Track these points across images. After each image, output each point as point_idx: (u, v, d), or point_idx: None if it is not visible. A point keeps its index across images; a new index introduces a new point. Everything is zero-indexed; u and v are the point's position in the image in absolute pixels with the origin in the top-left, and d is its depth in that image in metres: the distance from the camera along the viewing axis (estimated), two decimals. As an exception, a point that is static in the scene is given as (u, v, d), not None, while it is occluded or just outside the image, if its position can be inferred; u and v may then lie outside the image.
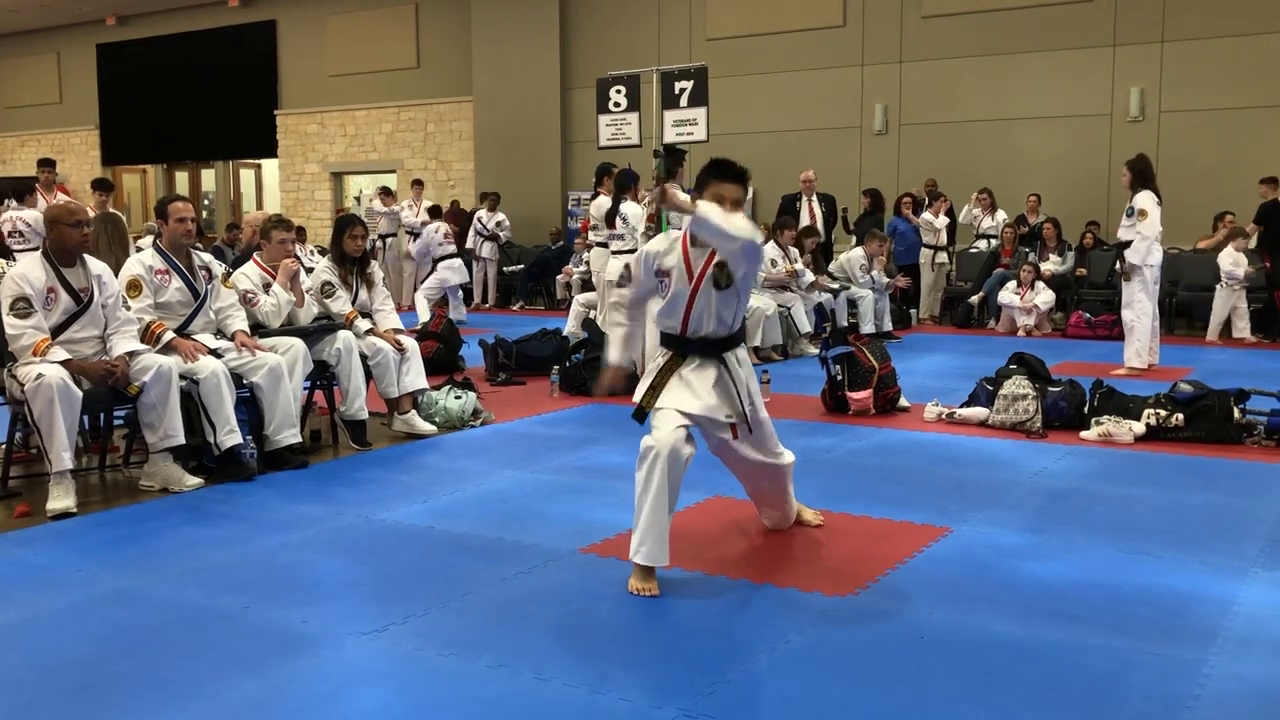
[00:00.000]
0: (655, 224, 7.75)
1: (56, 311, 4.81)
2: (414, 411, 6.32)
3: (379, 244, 14.28)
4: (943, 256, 13.14)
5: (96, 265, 5.04)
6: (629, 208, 8.39)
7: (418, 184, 15.69)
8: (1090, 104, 13.31)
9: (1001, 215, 13.07)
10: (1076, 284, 12.37)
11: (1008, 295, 11.80)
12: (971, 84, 13.89)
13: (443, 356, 8.45)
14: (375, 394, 6.22)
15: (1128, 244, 8.57)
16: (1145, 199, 8.49)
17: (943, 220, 13.01)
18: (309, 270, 6.72)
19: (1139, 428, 6.07)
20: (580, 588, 3.74)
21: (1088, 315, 11.43)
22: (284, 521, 4.53)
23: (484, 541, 4.25)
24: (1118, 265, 8.93)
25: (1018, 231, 12.91)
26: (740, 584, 3.74)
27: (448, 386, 6.74)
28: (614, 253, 8.42)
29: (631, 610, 3.52)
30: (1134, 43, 13.03)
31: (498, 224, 15.46)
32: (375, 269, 6.63)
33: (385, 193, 15.64)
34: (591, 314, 8.91)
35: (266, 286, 5.93)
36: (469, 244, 15.63)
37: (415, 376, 6.33)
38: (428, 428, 6.28)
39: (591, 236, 8.19)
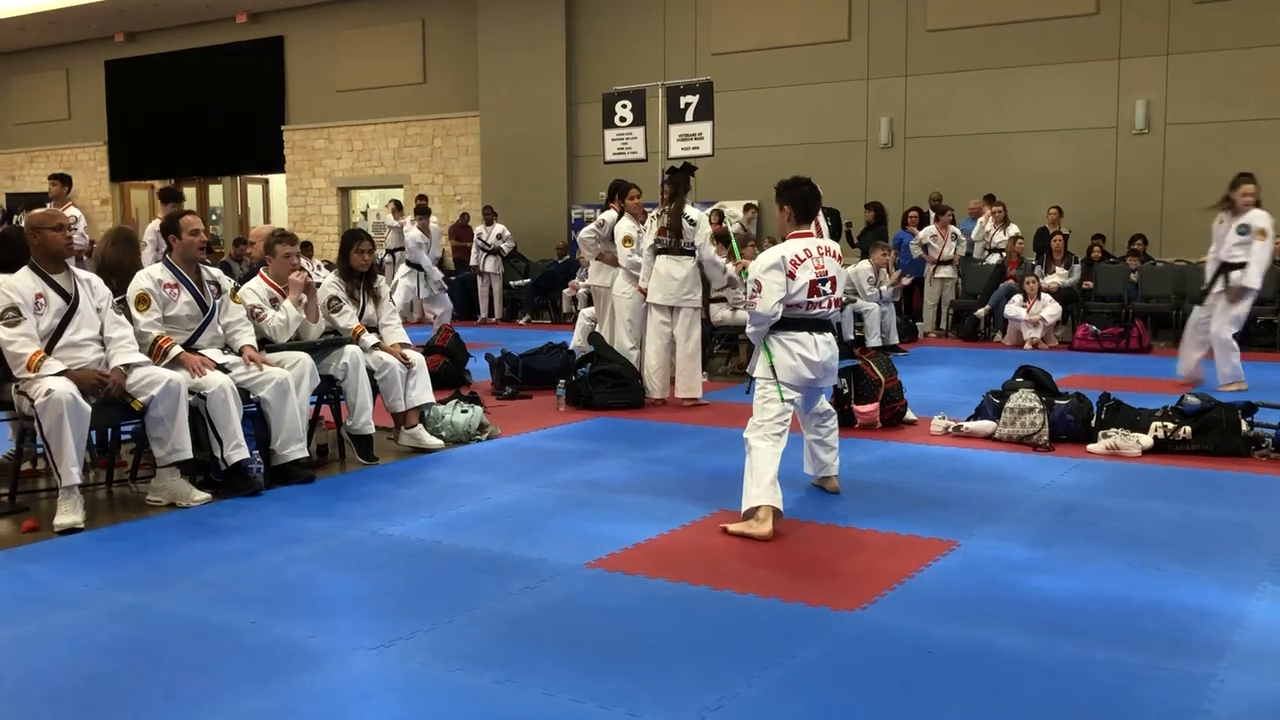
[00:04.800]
0: (668, 236, 7.75)
1: (49, 314, 4.84)
2: (421, 426, 6.33)
3: (388, 258, 14.27)
4: (946, 271, 13.12)
5: (83, 272, 5.10)
6: (617, 226, 8.39)
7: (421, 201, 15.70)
8: (1095, 117, 13.32)
9: (1014, 229, 13.05)
10: (1083, 297, 12.36)
11: (1014, 308, 11.79)
12: (976, 97, 13.92)
13: (449, 371, 8.46)
14: (382, 408, 6.23)
15: (1234, 265, 8.04)
16: (1262, 217, 8.04)
17: (928, 233, 12.93)
18: (316, 285, 6.73)
19: (1146, 441, 6.06)
20: (587, 602, 3.74)
21: (1094, 328, 11.42)
22: (291, 536, 4.53)
23: (490, 556, 4.25)
24: (1217, 285, 8.24)
25: (1016, 247, 12.86)
26: (747, 598, 3.74)
27: (454, 401, 6.75)
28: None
29: (638, 625, 3.52)
30: (1139, 55, 13.04)
31: (498, 236, 15.49)
32: (382, 284, 6.64)
33: (397, 207, 15.65)
34: (597, 328, 8.92)
35: (273, 301, 5.95)
36: (472, 260, 15.66)
37: (422, 391, 6.34)
38: (434, 442, 6.29)
39: (624, 260, 8.17)
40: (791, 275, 4.69)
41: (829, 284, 4.78)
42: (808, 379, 4.79)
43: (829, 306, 4.83)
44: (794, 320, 4.76)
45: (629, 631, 3.46)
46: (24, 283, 4.84)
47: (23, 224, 9.69)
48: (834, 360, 4.89)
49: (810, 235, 4.87)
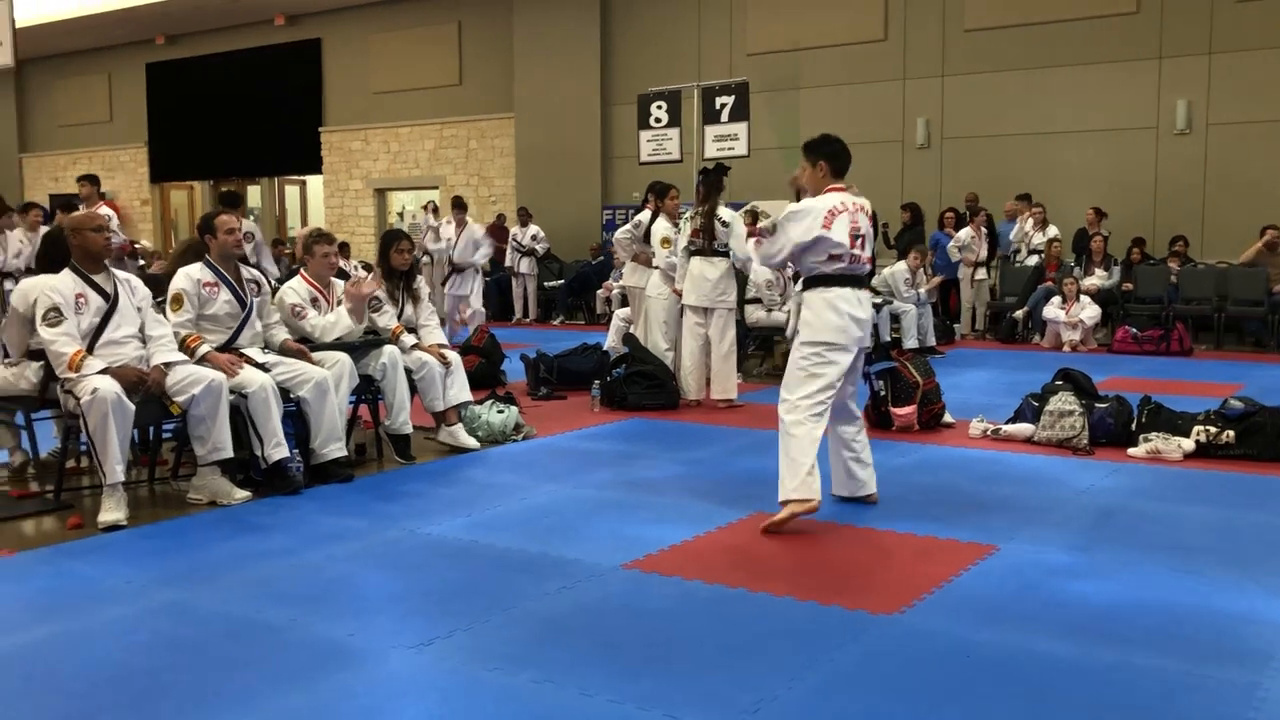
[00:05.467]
0: (702, 237, 7.75)
1: (89, 314, 4.91)
2: (460, 425, 6.35)
3: (425, 259, 14.32)
4: (981, 272, 13.01)
5: (122, 272, 5.18)
6: (654, 226, 8.39)
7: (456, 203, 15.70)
8: (1135, 117, 13.17)
9: (1054, 230, 12.93)
10: (1123, 299, 12.22)
11: (1053, 310, 11.68)
12: (1014, 97, 13.80)
13: (485, 371, 8.50)
14: (419, 408, 6.27)
15: None
16: None
17: (966, 236, 12.81)
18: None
19: (1188, 445, 5.98)
20: (623, 603, 3.74)
21: (1134, 331, 11.29)
22: (329, 535, 4.57)
23: (527, 556, 4.26)
24: None
25: (1059, 250, 12.73)
26: (784, 601, 3.73)
27: (490, 401, 6.78)
28: (657, 267, 8.43)
29: (675, 627, 3.52)
30: (1181, 54, 12.88)
31: (533, 237, 15.54)
32: (421, 284, 6.68)
33: (436, 209, 15.66)
34: (631, 329, 8.92)
35: (314, 301, 6.00)
36: (507, 261, 15.70)
37: (459, 390, 6.37)
38: (471, 442, 6.32)
39: (662, 261, 8.16)
40: (827, 226, 4.70)
41: (862, 241, 4.79)
42: (857, 336, 4.77)
43: (866, 263, 4.85)
44: (835, 277, 4.76)
45: (666, 633, 3.46)
46: (65, 283, 4.92)
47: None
48: (874, 318, 4.91)
49: (844, 190, 4.87)
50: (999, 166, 13.85)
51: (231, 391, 5.12)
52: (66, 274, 4.98)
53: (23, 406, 5.37)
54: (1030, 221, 13.04)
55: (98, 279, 5.01)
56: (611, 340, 9.55)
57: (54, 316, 4.81)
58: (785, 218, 4.79)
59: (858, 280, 4.84)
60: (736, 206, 8.33)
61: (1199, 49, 12.79)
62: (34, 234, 10.31)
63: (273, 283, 6.44)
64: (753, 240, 5.12)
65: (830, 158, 4.88)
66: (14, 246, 10.17)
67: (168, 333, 5.14)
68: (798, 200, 5.03)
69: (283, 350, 5.64)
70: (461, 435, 6.32)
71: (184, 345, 5.23)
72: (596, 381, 7.85)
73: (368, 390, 6.05)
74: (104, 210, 10.15)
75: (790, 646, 3.33)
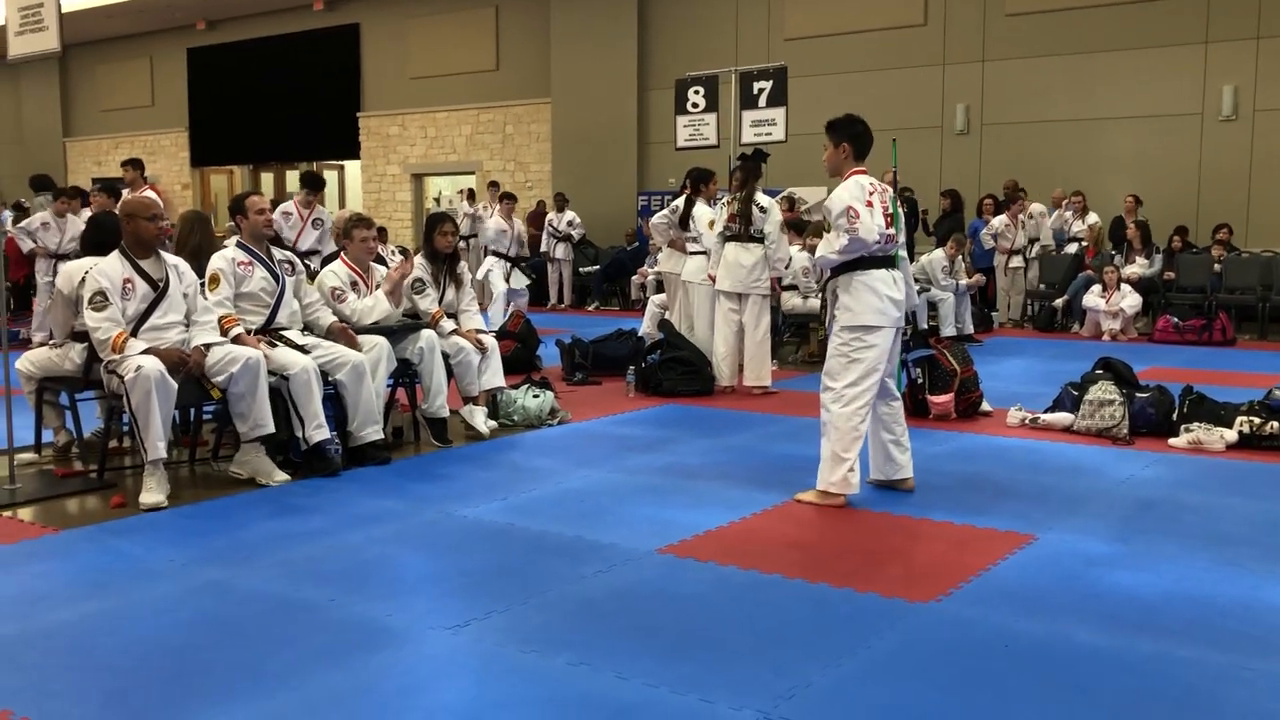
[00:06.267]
0: (738, 223, 7.72)
1: (135, 300, 4.96)
2: (479, 408, 6.34)
3: (462, 245, 14.33)
4: (1017, 260, 12.86)
5: (172, 258, 5.21)
6: (697, 211, 8.33)
7: (493, 186, 15.71)
8: (1180, 103, 12.97)
9: (1093, 218, 12.77)
10: (1164, 288, 12.06)
11: (1093, 299, 11.54)
12: (1056, 83, 13.62)
13: (521, 356, 8.53)
14: (455, 392, 6.30)
15: None
16: None
17: (1000, 222, 12.67)
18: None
19: (1231, 435, 5.90)
20: (658, 588, 3.75)
21: (1175, 320, 11.14)
22: (368, 516, 4.61)
23: (563, 540, 4.28)
24: None
25: (1098, 233, 12.57)
26: (820, 587, 3.72)
27: (526, 385, 6.80)
28: (691, 253, 8.41)
29: (710, 612, 3.52)
30: (1227, 39, 12.66)
31: (569, 223, 15.55)
32: (464, 269, 6.70)
33: (473, 195, 15.71)
34: (666, 314, 8.92)
35: (353, 284, 6.03)
36: (543, 246, 15.71)
37: (493, 375, 6.40)
38: (483, 427, 6.29)
39: (708, 243, 8.11)
40: (869, 204, 4.71)
41: (890, 219, 4.80)
42: (895, 317, 4.77)
43: (895, 242, 4.85)
44: (869, 260, 4.76)
45: (701, 618, 3.46)
46: (113, 268, 4.97)
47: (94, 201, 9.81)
48: (915, 300, 4.88)
49: (866, 172, 4.87)
50: (1039, 153, 13.69)
51: (273, 373, 5.17)
52: (116, 258, 5.02)
53: (67, 387, 5.45)
54: (1070, 209, 12.89)
55: (146, 265, 5.05)
56: (646, 326, 9.54)
57: (99, 301, 4.86)
58: (855, 203, 4.69)
59: (891, 261, 4.82)
60: (773, 194, 8.29)
61: (1247, 34, 12.56)
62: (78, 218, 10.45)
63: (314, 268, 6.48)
64: (807, 251, 5.06)
65: (853, 139, 4.87)
66: (70, 230, 10.31)
67: (211, 317, 5.20)
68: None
69: (329, 333, 5.67)
70: (478, 417, 6.30)
71: (219, 325, 5.28)
72: (631, 367, 7.86)
73: (405, 374, 6.09)
74: (148, 194, 10.25)
75: (825, 633, 3.33)
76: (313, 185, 10.13)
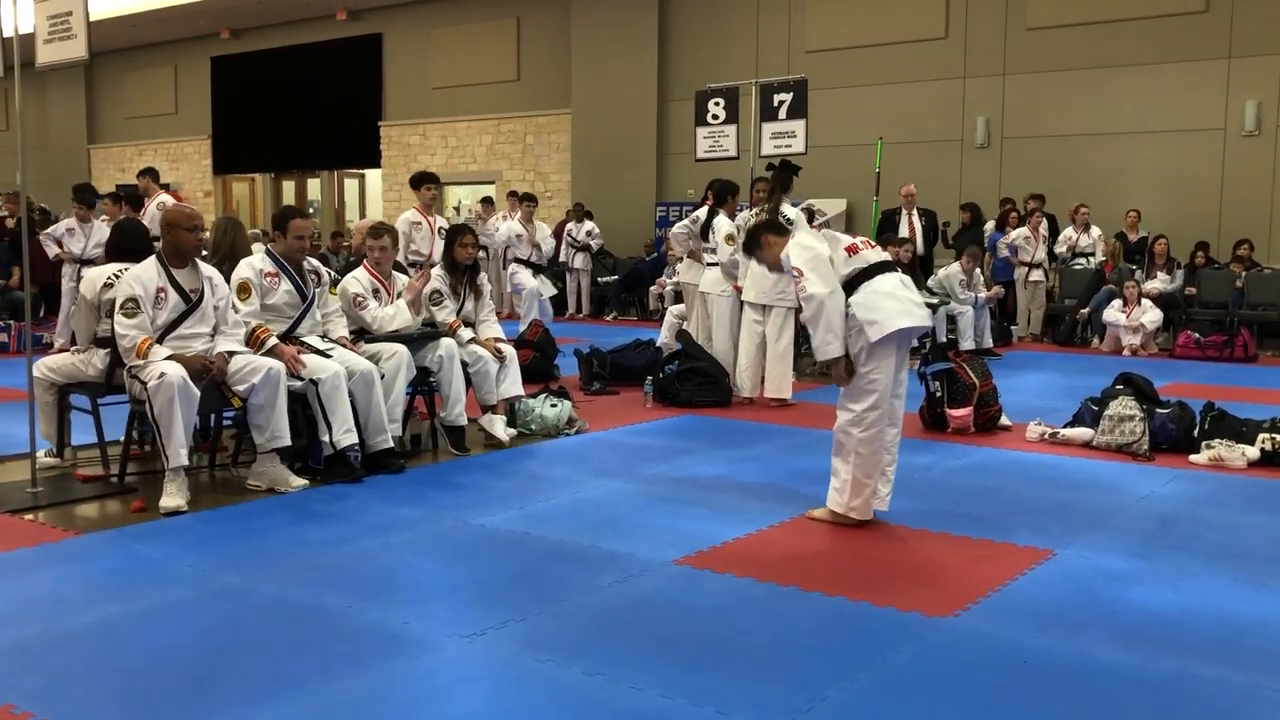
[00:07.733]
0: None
1: (166, 309, 4.99)
2: (499, 416, 6.36)
3: (482, 255, 14.34)
4: (1037, 274, 12.80)
5: (208, 268, 5.23)
6: (717, 222, 8.32)
7: (513, 195, 15.68)
8: (1202, 118, 12.90)
9: (1096, 231, 12.72)
10: (1185, 303, 11.99)
11: (1113, 314, 11.49)
12: (1077, 97, 13.58)
13: (538, 365, 8.54)
14: (474, 400, 6.31)
15: None
16: None
17: (1020, 234, 12.61)
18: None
19: (1253, 452, 5.86)
20: (675, 599, 3.75)
21: (1197, 335, 11.08)
22: (385, 524, 4.63)
23: (579, 549, 4.28)
24: None
25: (1114, 247, 12.52)
26: (837, 601, 3.71)
27: (544, 394, 6.82)
28: (708, 264, 8.41)
29: (727, 623, 3.52)
30: (1250, 54, 12.59)
31: (588, 233, 15.59)
32: (484, 280, 6.73)
33: (486, 203, 15.74)
34: (684, 325, 8.92)
35: (375, 292, 6.07)
36: (561, 256, 15.73)
37: (511, 384, 6.42)
38: (502, 435, 6.31)
39: (725, 257, 8.10)
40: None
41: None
42: (922, 314, 4.60)
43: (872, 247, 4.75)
44: (866, 269, 4.58)
45: (718, 630, 3.46)
46: (149, 275, 5.00)
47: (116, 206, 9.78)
48: (918, 294, 4.78)
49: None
50: (1060, 167, 13.65)
51: (300, 379, 5.20)
52: (152, 265, 5.05)
53: (89, 392, 5.49)
54: (1073, 224, 12.86)
55: (181, 276, 5.07)
56: (665, 336, 9.55)
57: (131, 307, 4.89)
58: (815, 268, 4.55)
59: (885, 265, 4.65)
60: (793, 205, 8.29)
61: (1270, 49, 12.49)
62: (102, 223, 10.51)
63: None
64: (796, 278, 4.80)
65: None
66: (96, 235, 10.37)
67: (240, 330, 5.23)
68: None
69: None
70: (498, 425, 6.32)
71: (253, 335, 5.31)
72: (649, 377, 7.86)
73: (424, 382, 6.11)
74: (164, 198, 10.30)
75: (843, 647, 3.32)
76: (423, 181, 9.22)
